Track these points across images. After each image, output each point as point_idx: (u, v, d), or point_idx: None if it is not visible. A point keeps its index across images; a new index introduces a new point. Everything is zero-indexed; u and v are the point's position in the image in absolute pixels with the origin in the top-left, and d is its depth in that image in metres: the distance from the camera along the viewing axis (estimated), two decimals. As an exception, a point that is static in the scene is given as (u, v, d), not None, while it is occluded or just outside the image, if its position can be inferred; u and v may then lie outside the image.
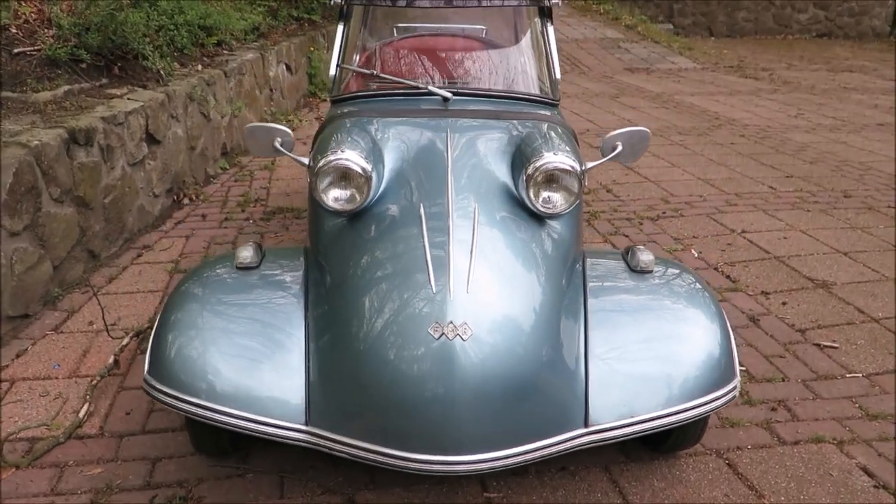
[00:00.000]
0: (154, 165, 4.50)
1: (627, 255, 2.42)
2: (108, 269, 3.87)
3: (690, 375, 2.16)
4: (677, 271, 2.45)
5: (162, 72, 5.04)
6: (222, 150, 5.71)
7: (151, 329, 3.17)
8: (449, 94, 2.59)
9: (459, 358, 1.86)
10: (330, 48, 9.43)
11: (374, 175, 2.20)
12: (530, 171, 2.18)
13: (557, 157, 2.18)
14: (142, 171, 4.35)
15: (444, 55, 3.16)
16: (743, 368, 3.04)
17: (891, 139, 7.23)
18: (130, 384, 2.88)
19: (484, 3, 2.83)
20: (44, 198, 3.37)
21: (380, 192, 2.26)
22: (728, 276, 3.99)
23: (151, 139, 4.46)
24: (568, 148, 2.32)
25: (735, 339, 3.28)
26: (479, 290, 1.94)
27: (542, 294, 2.10)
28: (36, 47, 4.46)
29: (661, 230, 4.65)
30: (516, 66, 3.05)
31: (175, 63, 5.42)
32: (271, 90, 7.02)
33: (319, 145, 2.43)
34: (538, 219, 2.25)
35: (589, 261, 2.44)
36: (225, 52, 6.51)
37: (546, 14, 3.04)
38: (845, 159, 6.44)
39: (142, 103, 4.32)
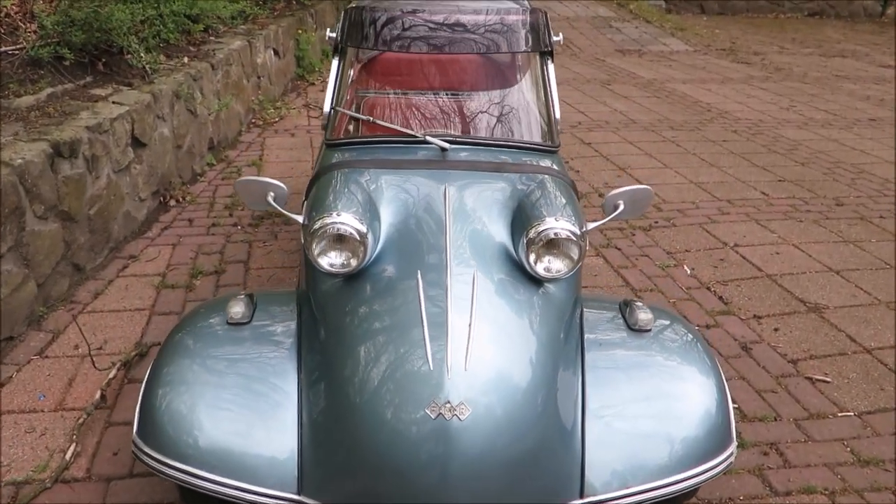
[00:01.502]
0: (140, 169, 4.40)
1: (626, 311, 2.39)
2: (93, 283, 3.79)
3: (688, 442, 2.14)
4: (675, 327, 2.41)
5: (147, 67, 4.91)
6: (209, 144, 5.60)
7: (139, 356, 3.18)
8: (446, 145, 2.52)
9: (456, 438, 1.82)
10: (319, 27, 9.26)
11: (369, 236, 2.14)
12: (531, 235, 2.13)
13: (559, 224, 2.12)
14: (127, 177, 4.25)
15: (441, 95, 3.07)
16: (736, 406, 3.03)
17: (882, 137, 7.21)
18: (118, 419, 2.83)
19: (481, 51, 2.76)
20: (28, 216, 3.29)
21: (376, 251, 2.20)
22: (720, 298, 3.97)
23: (137, 143, 4.36)
24: (570, 210, 2.27)
25: (728, 371, 3.31)
26: (477, 366, 1.90)
27: (540, 361, 2.06)
28: (18, 46, 4.33)
29: (654, 242, 4.62)
30: (516, 110, 2.97)
31: (161, 56, 5.29)
32: (259, 77, 6.88)
33: (314, 202, 2.35)
34: (537, 280, 2.21)
35: (586, 313, 2.40)
36: (212, 38, 6.36)
37: (547, 53, 2.97)
38: (837, 160, 6.41)
39: (127, 107, 4.20)
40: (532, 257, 2.14)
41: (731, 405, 2.29)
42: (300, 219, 2.30)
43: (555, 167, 2.65)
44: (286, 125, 6.71)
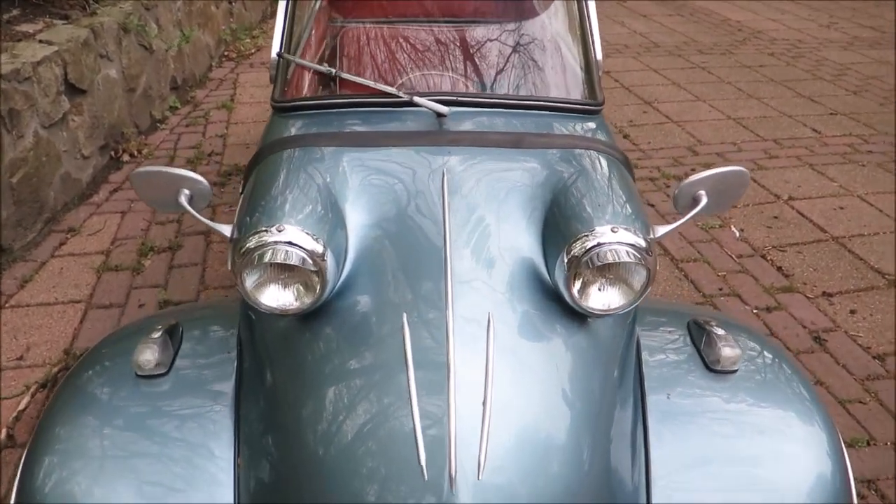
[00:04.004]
0: (80, 121, 3.67)
1: (700, 341, 1.71)
2: (21, 267, 3.12)
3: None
4: (766, 360, 1.75)
5: (89, -5, 4.12)
6: (171, 84, 4.83)
7: (64, 370, 2.52)
8: (445, 110, 1.78)
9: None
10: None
11: (329, 258, 1.43)
12: (575, 251, 1.42)
13: (617, 237, 1.41)
14: (63, 132, 3.52)
15: (435, 35, 2.28)
16: (817, 424, 2.39)
17: (938, 58, 6.40)
18: (30, 467, 2.20)
19: None
20: (-82, 195, 2.60)
21: (341, 279, 1.49)
22: (780, 268, 3.29)
23: (74, 89, 3.61)
24: (631, 208, 1.55)
25: (802, 373, 2.66)
26: (498, 468, 1.24)
27: (592, 435, 1.41)
28: (-80, -29, 3.54)
29: (693, 196, 3.91)
30: (543, 52, 2.17)
31: (108, -20, 4.48)
32: (230, 3, 6.04)
33: (248, 202, 1.64)
34: (580, 313, 1.51)
35: (643, 339, 1.73)
36: (174, -43, 5.50)
37: (583, -31, 2.19)
38: (893, 88, 5.62)
39: (56, 48, 3.44)
40: (576, 285, 1.44)
41: (850, 474, 1.64)
42: (227, 231, 1.61)
43: (600, 136, 1.90)
44: (263, 57, 5.90)
